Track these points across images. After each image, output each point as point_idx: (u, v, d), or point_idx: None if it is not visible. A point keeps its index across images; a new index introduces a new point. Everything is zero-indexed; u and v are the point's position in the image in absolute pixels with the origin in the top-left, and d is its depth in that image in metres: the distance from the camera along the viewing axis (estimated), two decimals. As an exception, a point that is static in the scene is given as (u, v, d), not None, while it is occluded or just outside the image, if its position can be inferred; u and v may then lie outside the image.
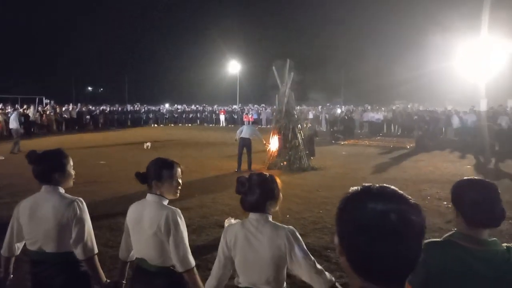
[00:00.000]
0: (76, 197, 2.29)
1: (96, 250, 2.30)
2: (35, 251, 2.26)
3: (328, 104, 34.01)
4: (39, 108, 24.98)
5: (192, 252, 2.18)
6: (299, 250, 1.86)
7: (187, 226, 2.24)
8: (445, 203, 7.00)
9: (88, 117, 27.31)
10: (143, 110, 33.40)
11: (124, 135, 22.05)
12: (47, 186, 2.28)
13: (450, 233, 1.65)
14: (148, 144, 15.33)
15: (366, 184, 0.90)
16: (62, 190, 2.31)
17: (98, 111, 29.20)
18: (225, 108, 34.69)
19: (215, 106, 35.86)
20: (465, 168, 11.07)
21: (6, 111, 21.52)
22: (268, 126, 22.89)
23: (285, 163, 10.74)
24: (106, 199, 7.26)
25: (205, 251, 4.56)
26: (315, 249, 4.59)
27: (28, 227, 2.26)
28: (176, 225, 2.12)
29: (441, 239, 1.65)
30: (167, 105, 37.87)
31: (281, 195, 2.03)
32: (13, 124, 14.54)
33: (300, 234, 1.97)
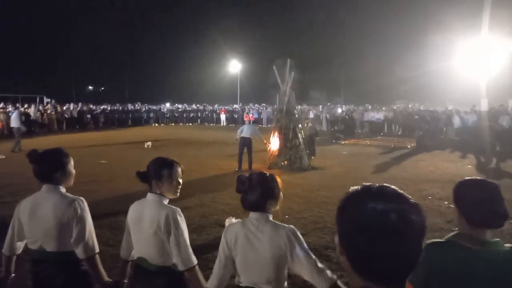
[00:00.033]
0: (77, 197, 2.29)
1: (97, 249, 2.30)
2: (35, 250, 2.26)
3: (328, 103, 33.99)
4: (40, 107, 25.01)
5: (192, 251, 2.19)
6: (300, 249, 1.86)
7: (187, 225, 2.24)
8: (446, 203, 6.99)
9: (89, 116, 27.34)
10: (144, 109, 33.44)
11: (125, 134, 22.06)
12: (47, 185, 2.28)
13: (452, 233, 1.64)
14: (149, 143, 15.34)
15: (366, 184, 0.90)
16: (63, 189, 2.31)
17: (99, 110, 29.24)
18: (226, 107, 34.70)
19: (216, 106, 35.89)
20: (466, 168, 11.06)
21: (7, 110, 21.54)
22: (269, 126, 22.89)
23: (285, 162, 10.73)
24: (106, 198, 7.27)
25: (205, 250, 4.56)
26: (315, 248, 4.59)
27: (29, 226, 2.26)
28: (177, 224, 2.12)
29: (443, 239, 1.63)
30: (167, 105, 37.91)
31: (281, 194, 2.03)
32: (15, 123, 14.56)
33: (301, 234, 1.96)
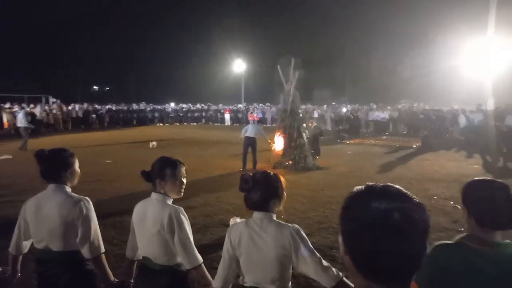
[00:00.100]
0: (82, 196, 2.30)
1: (102, 249, 2.31)
2: (41, 250, 2.27)
3: (333, 103, 33.90)
4: (46, 107, 25.17)
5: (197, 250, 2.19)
6: (305, 248, 1.86)
7: (192, 225, 2.25)
8: (451, 202, 6.95)
9: (94, 116, 27.48)
10: (149, 109, 33.56)
11: (130, 134, 22.15)
12: (53, 185, 2.30)
13: (461, 235, 1.61)
14: (154, 143, 15.39)
15: (370, 183, 0.90)
16: (68, 188, 2.33)
17: (104, 110, 29.38)
18: (230, 107, 34.71)
19: (220, 105, 35.90)
20: (472, 168, 10.99)
21: (13, 110, 21.71)
22: (273, 125, 22.89)
23: (290, 162, 10.72)
24: (111, 197, 7.30)
25: (210, 250, 4.57)
26: (320, 248, 4.58)
27: (34, 226, 2.27)
28: (180, 223, 2.12)
29: (452, 241, 1.61)
30: (172, 104, 37.96)
31: (285, 194, 2.03)
32: (21, 122, 14.68)
33: (305, 234, 1.96)
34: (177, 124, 31.73)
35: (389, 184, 0.88)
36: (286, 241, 1.86)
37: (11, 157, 12.36)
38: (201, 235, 5.25)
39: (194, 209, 6.45)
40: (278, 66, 11.18)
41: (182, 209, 2.19)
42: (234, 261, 1.98)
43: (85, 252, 2.23)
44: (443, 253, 1.55)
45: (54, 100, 29.60)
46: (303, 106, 18.42)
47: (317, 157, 11.41)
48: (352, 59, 52.78)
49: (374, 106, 28.70)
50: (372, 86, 45.89)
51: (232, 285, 2.05)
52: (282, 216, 2.08)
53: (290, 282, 1.97)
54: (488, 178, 1.66)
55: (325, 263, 1.87)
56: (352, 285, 1.80)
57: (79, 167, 2.43)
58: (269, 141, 10.98)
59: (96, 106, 30.09)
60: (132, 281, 2.39)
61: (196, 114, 33.78)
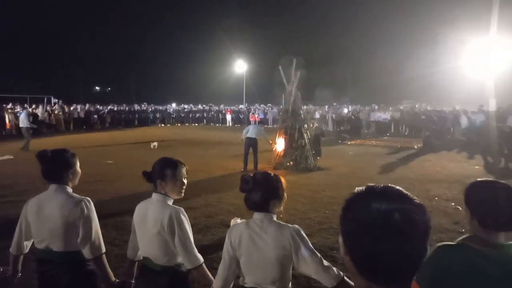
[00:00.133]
0: (83, 197, 2.30)
1: (103, 249, 2.31)
2: (42, 250, 2.28)
3: (334, 103, 33.89)
4: (48, 108, 25.24)
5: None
6: (305, 248, 1.86)
7: (192, 225, 2.25)
8: (452, 203, 6.94)
9: (95, 116, 27.52)
10: (150, 109, 33.57)
11: (131, 134, 22.18)
12: (54, 185, 2.30)
13: (464, 236, 1.60)
14: (155, 143, 15.40)
15: (371, 184, 0.90)
16: (69, 189, 2.33)
17: (105, 110, 29.43)
18: (232, 107, 34.73)
19: (222, 106, 35.91)
20: (473, 169, 10.96)
21: (15, 110, 21.76)
22: (275, 126, 22.88)
23: (291, 163, 10.72)
24: (112, 198, 7.31)
25: (210, 250, 4.56)
26: (321, 249, 4.57)
27: (36, 226, 2.28)
28: (180, 223, 2.13)
29: (455, 242, 1.60)
30: (173, 105, 37.99)
31: (285, 195, 2.03)
32: (23, 123, 14.72)
33: (306, 234, 1.96)
34: (179, 124, 31.76)
35: (389, 185, 0.88)
36: (287, 241, 1.86)
37: (12, 157, 12.38)
38: (202, 236, 5.25)
39: (195, 209, 6.45)
40: (280, 67, 11.18)
41: (182, 209, 2.19)
42: (234, 262, 1.98)
43: (86, 252, 2.23)
44: (445, 254, 1.54)
45: (56, 100, 29.67)
46: (305, 107, 18.41)
47: (318, 158, 11.40)
48: (354, 59, 52.77)
49: (376, 107, 28.67)
50: (373, 87, 45.85)
51: (232, 285, 2.05)
52: (281, 216, 2.07)
53: (290, 283, 1.97)
54: (491, 179, 1.65)
55: (325, 263, 1.87)
56: (353, 284, 1.79)
57: (80, 167, 2.44)
58: (270, 141, 10.98)
59: (98, 106, 30.13)
60: (133, 281, 2.39)
61: (197, 115, 33.81)
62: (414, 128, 22.86)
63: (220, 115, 33.41)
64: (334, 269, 1.87)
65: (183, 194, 2.29)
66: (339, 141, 18.54)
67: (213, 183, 8.76)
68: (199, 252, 2.20)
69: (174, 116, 33.24)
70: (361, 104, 33.94)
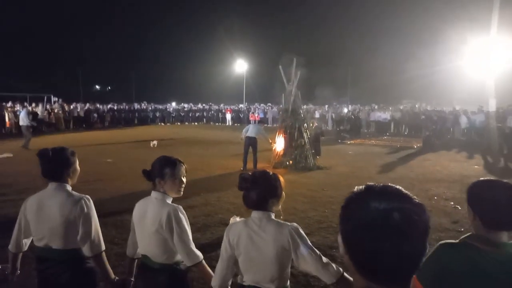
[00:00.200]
0: (83, 195, 2.30)
1: (103, 247, 2.31)
2: (41, 248, 2.28)
3: (334, 103, 33.90)
4: (48, 106, 25.22)
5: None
6: (304, 246, 1.87)
7: (192, 224, 2.25)
8: (451, 203, 6.94)
9: (95, 115, 27.52)
10: (150, 108, 33.57)
11: (131, 133, 22.17)
12: (54, 183, 2.30)
13: (466, 235, 1.60)
14: (155, 142, 15.40)
15: (370, 183, 0.90)
16: (69, 187, 2.33)
17: (105, 109, 29.41)
18: (231, 107, 34.73)
19: (221, 105, 35.91)
20: (473, 168, 10.97)
21: (15, 109, 21.75)
22: (274, 125, 22.89)
23: (290, 162, 10.72)
24: (112, 196, 7.31)
25: (209, 249, 4.56)
26: (320, 248, 4.56)
27: (35, 224, 2.28)
28: (179, 221, 2.13)
29: (457, 240, 1.59)
30: (173, 104, 37.99)
31: (284, 193, 2.03)
32: (23, 121, 14.71)
33: (305, 233, 1.96)
34: (178, 123, 31.75)
35: (389, 184, 0.88)
36: (285, 240, 1.86)
37: (11, 155, 12.38)
38: (201, 235, 5.25)
39: (194, 208, 6.45)
40: (280, 66, 11.18)
41: (180, 207, 2.19)
42: (232, 261, 1.98)
43: (86, 250, 2.24)
44: (446, 252, 1.54)
45: (56, 99, 29.65)
46: (304, 106, 18.41)
47: (318, 157, 11.40)
48: (354, 59, 52.80)
49: (376, 107, 28.68)
50: (373, 86, 45.88)
51: (231, 284, 2.05)
52: (281, 216, 2.08)
53: (288, 281, 1.97)
54: (493, 178, 1.64)
55: (325, 259, 1.89)
56: (352, 279, 1.80)
57: (80, 166, 2.44)
58: (270, 141, 10.98)
59: (98, 105, 30.12)
60: (132, 279, 2.39)
61: (197, 114, 33.80)
62: (414, 128, 22.88)
63: (220, 114, 33.42)
64: (334, 265, 1.88)
65: (182, 193, 2.29)
66: (339, 141, 18.54)
67: (213, 182, 8.76)
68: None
69: (174, 115, 33.24)
70: (361, 103, 33.96)
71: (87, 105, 28.65)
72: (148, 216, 2.18)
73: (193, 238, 2.21)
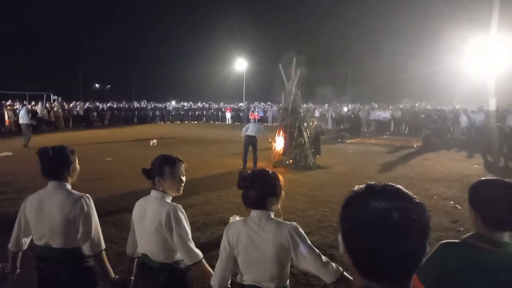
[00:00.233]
0: (83, 194, 2.30)
1: (103, 246, 2.31)
2: (41, 246, 2.27)
3: (334, 102, 33.89)
4: (47, 105, 25.20)
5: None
6: (303, 245, 1.87)
7: (192, 223, 2.25)
8: (451, 202, 6.95)
9: (95, 114, 27.49)
10: (150, 107, 33.55)
11: (131, 132, 22.17)
12: (54, 182, 2.29)
13: (468, 234, 1.59)
14: (154, 141, 15.40)
15: (370, 183, 0.89)
16: (69, 186, 2.33)
17: (105, 108, 29.39)
18: (231, 105, 34.72)
19: (221, 104, 35.91)
20: (473, 168, 10.97)
21: (15, 107, 21.73)
22: (274, 124, 22.87)
23: (290, 161, 10.72)
24: (112, 195, 7.30)
25: (209, 248, 4.56)
26: (320, 247, 4.56)
27: (35, 223, 2.27)
28: (178, 220, 2.13)
29: (458, 240, 1.59)
30: (173, 103, 37.97)
31: (283, 192, 2.02)
32: (23, 119, 14.71)
33: (305, 232, 1.96)
34: (178, 122, 31.74)
35: (389, 183, 0.88)
36: (285, 239, 1.86)
37: (11, 154, 12.37)
38: (201, 234, 5.25)
39: (194, 207, 6.45)
40: (280, 65, 11.17)
41: (180, 206, 2.19)
42: (231, 260, 1.98)
43: (86, 249, 2.24)
44: (448, 251, 1.54)
45: (56, 98, 29.63)
46: (304, 105, 18.41)
47: (317, 156, 11.40)
48: (354, 58, 52.81)
49: (376, 106, 28.68)
50: (374, 85, 45.89)
51: (230, 283, 2.05)
52: (280, 216, 2.07)
53: (288, 280, 1.97)
54: (495, 177, 1.63)
55: (324, 258, 1.89)
56: (352, 278, 1.80)
57: (80, 164, 2.43)
58: (270, 140, 10.98)
59: (97, 104, 30.10)
60: (132, 278, 2.39)
61: (197, 113, 33.78)
62: (414, 127, 22.88)
63: (219, 113, 33.41)
64: (333, 264, 1.88)
65: (181, 192, 2.28)
66: (339, 140, 18.55)
67: (212, 181, 8.76)
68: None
69: (173, 114, 33.23)
70: (361, 102, 33.95)
71: (87, 103, 28.64)
72: (147, 215, 2.18)
73: (192, 237, 2.21)
